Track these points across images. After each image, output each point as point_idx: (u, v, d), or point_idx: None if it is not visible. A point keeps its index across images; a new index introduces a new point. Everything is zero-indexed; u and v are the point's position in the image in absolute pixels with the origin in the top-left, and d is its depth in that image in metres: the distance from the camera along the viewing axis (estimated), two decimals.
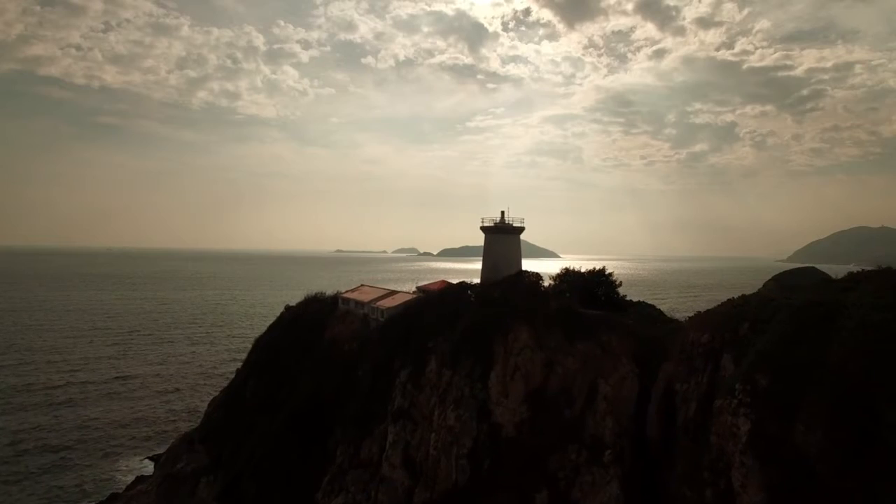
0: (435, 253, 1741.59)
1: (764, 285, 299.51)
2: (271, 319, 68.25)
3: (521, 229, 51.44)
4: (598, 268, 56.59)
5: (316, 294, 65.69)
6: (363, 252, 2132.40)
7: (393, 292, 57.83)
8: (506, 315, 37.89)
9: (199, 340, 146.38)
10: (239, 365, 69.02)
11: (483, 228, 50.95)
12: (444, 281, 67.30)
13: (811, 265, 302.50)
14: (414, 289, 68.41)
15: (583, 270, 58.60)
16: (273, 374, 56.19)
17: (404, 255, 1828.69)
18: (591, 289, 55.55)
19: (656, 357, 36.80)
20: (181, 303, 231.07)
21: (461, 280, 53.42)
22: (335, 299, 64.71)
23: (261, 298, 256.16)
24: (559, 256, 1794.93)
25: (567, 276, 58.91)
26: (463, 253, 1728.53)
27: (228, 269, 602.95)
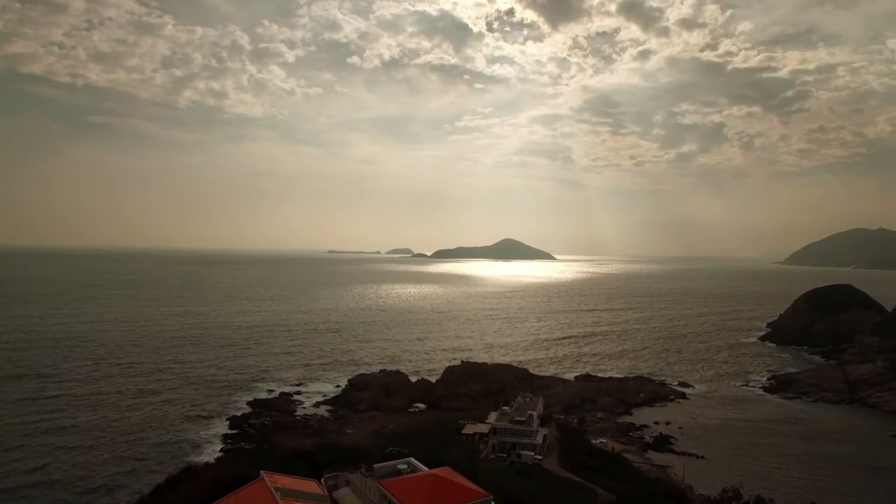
0: (429, 254, 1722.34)
1: (793, 304, 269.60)
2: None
3: None
4: None
5: None
6: (357, 252, 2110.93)
7: None
8: None
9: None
10: None
11: None
12: (435, 477, 41.58)
13: (846, 283, 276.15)
14: (373, 478, 42.98)
15: None
16: None
17: (398, 255, 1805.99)
18: None
19: None
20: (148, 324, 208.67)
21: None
22: None
23: (233, 318, 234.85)
24: (554, 258, 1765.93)
25: None
26: (457, 254, 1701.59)
27: (218, 273, 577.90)
